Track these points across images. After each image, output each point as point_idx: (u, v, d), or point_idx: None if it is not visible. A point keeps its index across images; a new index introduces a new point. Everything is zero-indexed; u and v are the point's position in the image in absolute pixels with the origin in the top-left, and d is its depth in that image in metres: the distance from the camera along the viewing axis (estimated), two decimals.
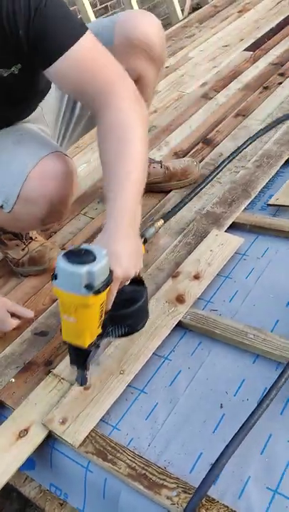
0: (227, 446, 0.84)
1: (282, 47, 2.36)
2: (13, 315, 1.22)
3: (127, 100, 0.99)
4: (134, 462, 0.89)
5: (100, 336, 0.90)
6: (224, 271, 1.25)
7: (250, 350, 1.04)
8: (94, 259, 0.80)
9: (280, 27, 2.61)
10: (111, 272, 0.83)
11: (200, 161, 1.65)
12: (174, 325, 1.12)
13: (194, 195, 1.51)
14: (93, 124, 1.31)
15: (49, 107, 1.30)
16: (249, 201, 1.45)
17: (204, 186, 1.54)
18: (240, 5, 3.09)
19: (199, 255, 1.28)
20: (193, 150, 1.75)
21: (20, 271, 1.41)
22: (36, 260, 1.39)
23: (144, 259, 1.30)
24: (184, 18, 3.33)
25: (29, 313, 1.23)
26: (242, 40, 2.58)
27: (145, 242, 1.19)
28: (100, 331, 0.89)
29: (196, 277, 1.22)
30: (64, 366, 1.09)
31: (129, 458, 0.90)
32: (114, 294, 0.88)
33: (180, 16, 3.61)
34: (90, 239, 1.48)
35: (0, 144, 1.16)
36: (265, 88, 2.02)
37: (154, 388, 1.03)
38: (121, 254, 0.89)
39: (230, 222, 1.38)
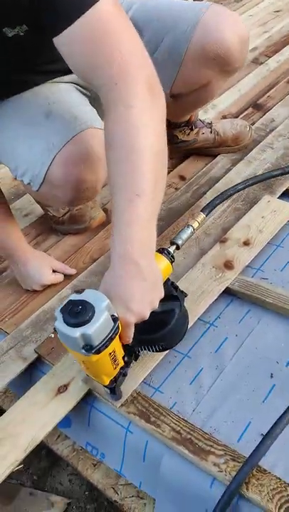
0: (281, 416, 0.80)
1: None
2: (54, 271, 1.18)
3: (141, 96, 0.78)
4: (178, 426, 0.85)
5: (125, 366, 0.83)
6: (276, 239, 1.19)
7: None
8: (91, 316, 0.70)
9: None
10: (115, 320, 0.73)
11: None
12: (221, 291, 1.07)
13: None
14: None
15: None
16: None
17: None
18: None
19: (250, 221, 1.21)
20: (243, 114, 1.67)
21: (60, 229, 1.37)
22: (77, 219, 1.35)
23: (191, 223, 1.25)
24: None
25: (71, 271, 1.19)
26: None
27: (178, 249, 0.98)
28: (117, 370, 0.82)
29: (246, 244, 1.16)
30: None
31: (174, 421, 0.86)
32: (131, 334, 0.78)
33: None
34: None
35: (29, 111, 1.05)
36: None
37: (199, 353, 0.99)
38: (130, 297, 0.76)
39: (284, 190, 1.31)
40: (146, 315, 0.78)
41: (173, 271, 0.92)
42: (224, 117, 1.66)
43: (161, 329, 0.88)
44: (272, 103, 1.69)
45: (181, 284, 1.08)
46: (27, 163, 1.03)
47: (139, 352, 0.90)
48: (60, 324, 0.72)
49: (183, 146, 1.50)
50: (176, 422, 0.86)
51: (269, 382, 0.90)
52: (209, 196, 1.35)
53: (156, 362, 0.97)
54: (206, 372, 0.95)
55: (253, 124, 1.59)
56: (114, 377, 0.83)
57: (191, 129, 1.47)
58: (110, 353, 0.76)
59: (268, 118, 1.62)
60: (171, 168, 1.51)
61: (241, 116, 1.66)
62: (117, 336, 0.75)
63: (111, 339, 0.73)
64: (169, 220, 1.31)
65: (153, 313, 0.80)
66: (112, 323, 0.73)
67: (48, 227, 1.40)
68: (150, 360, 0.97)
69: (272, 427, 0.79)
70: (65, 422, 0.99)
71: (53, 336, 1.07)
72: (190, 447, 0.82)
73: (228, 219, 1.26)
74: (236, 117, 1.65)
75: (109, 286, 0.77)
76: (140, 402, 0.90)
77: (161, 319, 0.88)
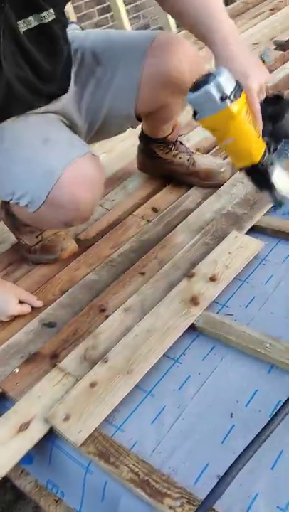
0: (237, 459, 0.81)
1: None
2: (21, 302, 1.19)
3: None
4: (137, 467, 0.85)
5: (268, 151, 0.94)
6: (242, 275, 1.21)
7: (266, 359, 1.00)
8: (215, 75, 0.85)
9: None
10: (238, 82, 0.87)
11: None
12: (186, 327, 1.08)
13: None
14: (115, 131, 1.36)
15: (69, 106, 1.25)
16: (272, 205, 1.40)
17: None
18: (272, 3, 3.03)
19: (217, 256, 1.23)
20: (215, 149, 1.70)
21: (32, 258, 1.38)
22: (49, 249, 1.36)
23: (160, 255, 1.27)
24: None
25: (38, 303, 1.19)
26: (273, 38, 2.51)
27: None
28: (263, 144, 0.93)
29: (213, 279, 1.18)
30: (70, 360, 1.06)
31: (133, 462, 0.86)
32: (258, 106, 0.91)
33: None
34: (106, 230, 1.44)
35: (25, 137, 1.11)
36: None
37: (163, 391, 1.00)
38: (245, 65, 0.91)
39: (251, 225, 1.33)
40: (262, 82, 0.92)
41: None
42: (198, 150, 1.69)
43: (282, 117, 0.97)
44: None
45: (149, 319, 1.10)
46: (26, 186, 1.07)
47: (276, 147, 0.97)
48: (194, 95, 0.85)
49: (159, 163, 1.53)
50: (135, 463, 0.86)
51: (229, 422, 0.91)
52: (180, 230, 1.37)
53: (120, 399, 0.97)
54: (168, 410, 0.96)
55: (224, 158, 1.62)
56: (263, 155, 0.93)
57: (170, 149, 1.51)
58: (246, 112, 0.87)
59: None
60: (145, 199, 1.54)
61: (213, 150, 1.69)
62: (244, 97, 0.88)
63: (240, 90, 0.86)
64: (140, 253, 1.33)
65: (266, 110, 0.93)
66: (235, 81, 0.86)
67: (20, 256, 1.41)
68: (114, 397, 0.97)
69: (228, 470, 0.80)
70: (27, 458, 0.99)
71: (17, 370, 1.07)
72: (147, 489, 0.82)
73: (197, 253, 1.28)
74: (208, 152, 1.69)
75: (225, 63, 0.90)
76: (100, 442, 0.91)
77: (277, 112, 0.97)
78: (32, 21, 0.99)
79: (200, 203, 1.45)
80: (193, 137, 1.80)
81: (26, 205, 1.09)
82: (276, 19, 2.75)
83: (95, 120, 1.30)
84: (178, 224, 1.39)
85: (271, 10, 2.91)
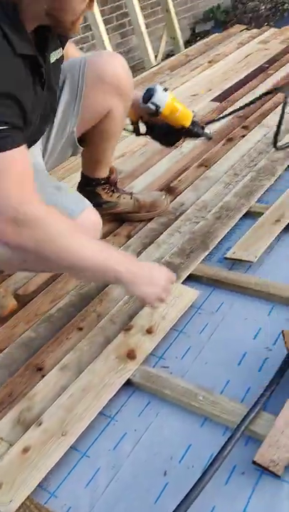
0: None
1: (247, 99, 2.43)
2: None
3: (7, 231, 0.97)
4: None
5: None
6: (178, 325, 1.24)
7: (199, 412, 1.02)
8: (154, 86, 1.44)
9: (247, 79, 2.70)
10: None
11: None
12: (122, 383, 1.08)
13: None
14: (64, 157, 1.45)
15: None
16: (207, 253, 1.45)
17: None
18: (210, 55, 3.20)
19: (154, 308, 1.25)
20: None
21: None
22: None
23: (98, 309, 1.28)
24: (156, 64, 3.43)
25: None
26: (210, 90, 2.65)
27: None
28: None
29: (149, 331, 1.19)
30: (4, 424, 1.04)
31: None
32: None
33: (153, 61, 3.73)
34: (46, 283, 1.45)
35: (44, 180, 1.20)
36: (229, 140, 2.07)
37: (97, 451, 0.99)
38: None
39: (187, 274, 1.37)
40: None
41: None
42: None
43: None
44: (182, 187, 1.80)
45: (85, 377, 1.10)
46: None
47: None
48: (154, 97, 1.43)
49: (107, 208, 1.58)
50: None
51: (162, 480, 0.91)
52: None
53: (54, 463, 0.96)
54: (102, 472, 0.95)
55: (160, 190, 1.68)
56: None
57: (113, 192, 1.58)
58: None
59: (178, 202, 1.72)
60: None
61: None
62: None
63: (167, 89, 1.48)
64: (80, 306, 1.34)
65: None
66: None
67: None
68: (48, 461, 0.96)
69: None
70: None
71: None
72: None
73: (135, 305, 1.29)
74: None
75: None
76: (32, 511, 0.88)
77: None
78: (53, 56, 1.16)
79: (140, 253, 1.49)
80: (135, 186, 1.85)
81: None
82: (213, 71, 2.90)
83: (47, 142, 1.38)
84: None
85: (209, 62, 3.07)
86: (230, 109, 2.33)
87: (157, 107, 1.44)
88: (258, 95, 2.39)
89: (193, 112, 1.54)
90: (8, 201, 0.94)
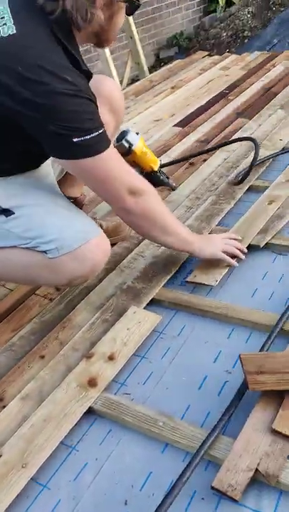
0: None
1: (209, 125, 2.50)
2: None
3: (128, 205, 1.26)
4: None
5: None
6: (140, 350, 1.24)
7: (160, 438, 1.02)
8: (126, 129, 1.60)
9: (208, 105, 2.78)
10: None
11: None
12: (83, 412, 1.08)
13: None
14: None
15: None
16: (169, 277, 1.47)
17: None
18: (173, 81, 3.29)
19: (116, 334, 1.26)
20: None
21: None
22: None
23: (60, 336, 1.29)
24: (122, 90, 3.49)
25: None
26: (173, 115, 2.72)
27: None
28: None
29: (111, 358, 1.20)
30: None
31: None
32: None
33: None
34: (7, 312, 1.43)
35: (58, 199, 1.28)
36: (191, 164, 2.12)
37: (58, 483, 0.98)
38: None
39: (150, 299, 1.39)
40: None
41: None
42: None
43: None
44: None
45: (46, 407, 1.09)
46: (60, 234, 1.18)
47: None
48: (127, 136, 1.58)
49: None
50: None
51: (123, 510, 0.91)
52: (81, 308, 1.39)
53: (14, 496, 0.94)
54: (63, 504, 0.94)
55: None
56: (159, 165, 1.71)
57: None
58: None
59: None
60: None
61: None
62: None
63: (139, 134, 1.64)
64: (42, 334, 1.33)
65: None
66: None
67: None
68: (8, 495, 0.94)
69: None
70: None
71: None
72: None
73: (97, 332, 1.30)
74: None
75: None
76: None
77: None
78: None
79: (101, 280, 1.49)
80: (98, 212, 1.87)
81: (47, 251, 1.17)
82: (176, 97, 2.98)
83: None
84: (79, 302, 1.41)
85: (172, 88, 3.15)
86: (214, 143, 2.38)
87: (130, 144, 1.57)
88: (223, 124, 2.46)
89: (160, 161, 1.69)
90: (125, 177, 1.21)
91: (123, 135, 1.58)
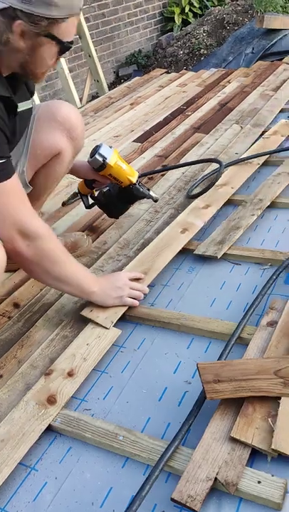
0: None
1: (166, 140, 2.55)
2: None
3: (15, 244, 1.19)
4: None
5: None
6: (100, 365, 1.24)
7: (120, 453, 1.01)
8: (100, 144, 1.58)
9: (167, 121, 2.83)
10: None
11: None
12: (42, 430, 1.06)
13: None
14: None
15: None
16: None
17: None
18: (132, 98, 3.34)
19: (75, 349, 1.25)
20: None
21: None
22: None
23: (19, 354, 1.26)
24: (81, 107, 3.52)
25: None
26: (132, 131, 2.75)
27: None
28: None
29: (70, 374, 1.18)
30: None
31: None
32: None
33: (78, 103, 3.82)
34: None
35: None
36: (150, 179, 2.14)
37: (17, 505, 0.95)
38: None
39: None
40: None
41: None
42: None
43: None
44: (105, 225, 1.83)
45: (3, 427, 1.07)
46: None
47: None
48: (100, 150, 1.56)
49: None
50: None
51: None
52: (40, 325, 1.38)
53: None
54: None
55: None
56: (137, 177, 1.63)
57: None
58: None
59: (100, 241, 1.75)
60: (7, 294, 1.53)
61: None
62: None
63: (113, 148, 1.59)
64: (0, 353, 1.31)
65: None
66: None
67: None
68: None
69: None
70: None
71: None
72: None
73: (56, 348, 1.28)
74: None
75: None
76: None
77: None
78: (22, 106, 1.27)
79: (61, 295, 1.48)
80: (57, 228, 1.87)
81: None
82: (135, 113, 3.02)
83: None
84: (38, 319, 1.40)
85: (131, 104, 3.20)
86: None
87: (104, 158, 1.53)
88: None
89: (138, 173, 1.64)
90: (17, 216, 1.15)
91: (96, 149, 1.55)
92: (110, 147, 1.57)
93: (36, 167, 1.46)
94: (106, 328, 1.30)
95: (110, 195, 1.67)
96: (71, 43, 1.16)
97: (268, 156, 2.11)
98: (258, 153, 2.11)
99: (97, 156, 1.53)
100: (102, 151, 1.54)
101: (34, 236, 1.17)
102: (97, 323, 1.32)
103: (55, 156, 1.46)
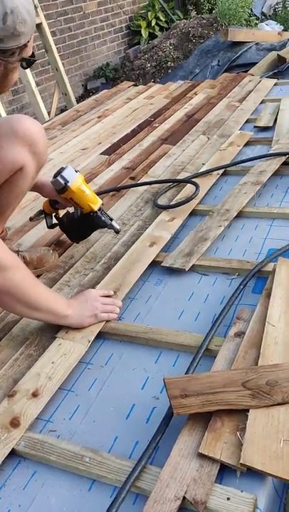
0: None
1: (134, 152, 2.54)
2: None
3: None
4: None
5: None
6: (66, 384, 1.20)
7: (87, 475, 0.98)
8: (65, 167, 1.56)
9: (134, 133, 2.83)
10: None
11: None
12: (5, 455, 1.02)
13: None
14: None
15: None
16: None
17: None
18: (100, 111, 3.34)
19: (40, 368, 1.21)
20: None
21: None
22: None
23: None
24: (48, 120, 3.49)
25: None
26: (100, 143, 2.74)
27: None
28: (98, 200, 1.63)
29: (35, 395, 1.14)
30: None
31: None
32: None
33: (46, 117, 3.80)
34: None
35: None
36: (117, 191, 2.13)
37: None
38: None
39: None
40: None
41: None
42: None
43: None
44: None
45: None
46: None
47: None
48: (64, 172, 1.54)
49: None
50: None
51: None
52: (4, 344, 1.33)
53: None
54: None
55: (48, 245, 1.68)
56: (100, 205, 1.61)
57: None
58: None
59: (67, 255, 1.72)
60: None
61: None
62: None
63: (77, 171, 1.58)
64: None
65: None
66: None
67: None
68: None
69: None
70: None
71: None
72: None
73: (21, 368, 1.24)
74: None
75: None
76: None
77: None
78: None
79: None
80: (23, 243, 1.83)
81: None
82: (102, 126, 3.01)
83: None
84: (2, 338, 1.36)
85: (99, 117, 3.19)
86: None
87: (66, 181, 1.51)
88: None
89: (102, 201, 1.62)
90: None
91: (60, 171, 1.53)
92: (76, 171, 1.55)
93: None
94: (84, 347, 1.27)
95: (73, 218, 1.65)
96: (34, 55, 1.22)
97: (229, 167, 2.14)
98: (225, 165, 2.13)
99: (59, 178, 1.52)
100: (65, 173, 1.52)
101: (2, 268, 1.15)
102: (65, 340, 1.29)
103: (18, 171, 1.43)
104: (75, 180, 1.53)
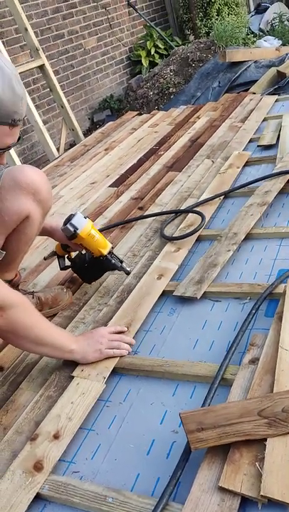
0: None
1: (141, 182, 2.59)
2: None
3: None
4: None
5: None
6: (87, 423, 1.22)
7: None
8: (74, 213, 1.62)
9: (140, 162, 2.89)
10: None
11: None
12: (30, 500, 1.04)
13: None
14: None
15: None
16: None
17: None
18: (106, 143, 3.41)
19: (60, 409, 1.24)
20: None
21: None
22: None
23: (4, 421, 1.25)
24: (58, 157, 3.58)
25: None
26: (108, 176, 2.80)
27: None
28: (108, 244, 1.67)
29: (56, 437, 1.16)
30: None
31: None
32: None
33: (56, 153, 3.90)
34: None
35: None
36: (127, 222, 2.17)
37: None
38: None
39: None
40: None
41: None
42: None
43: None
44: None
45: None
46: None
47: None
48: (73, 219, 1.59)
49: None
50: None
51: None
52: (24, 387, 1.36)
53: None
54: None
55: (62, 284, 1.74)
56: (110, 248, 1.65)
57: None
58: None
59: (81, 291, 1.75)
60: None
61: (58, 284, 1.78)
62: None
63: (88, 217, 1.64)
64: None
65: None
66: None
67: None
68: None
69: None
70: None
71: None
72: None
73: (41, 410, 1.27)
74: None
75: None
76: None
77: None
78: None
79: None
80: (40, 282, 1.87)
81: None
82: (110, 158, 3.08)
83: None
84: (22, 381, 1.39)
85: (106, 150, 3.27)
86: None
87: (75, 228, 1.57)
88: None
89: (111, 245, 1.66)
90: None
91: (69, 218, 1.59)
92: (86, 217, 1.61)
93: (7, 233, 1.47)
94: (99, 384, 1.29)
95: (84, 260, 1.69)
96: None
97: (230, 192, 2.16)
98: (225, 191, 2.16)
99: (68, 226, 1.57)
100: (74, 220, 1.57)
101: (7, 306, 1.19)
102: (83, 379, 1.31)
103: (24, 219, 1.48)
104: (85, 227, 1.58)
